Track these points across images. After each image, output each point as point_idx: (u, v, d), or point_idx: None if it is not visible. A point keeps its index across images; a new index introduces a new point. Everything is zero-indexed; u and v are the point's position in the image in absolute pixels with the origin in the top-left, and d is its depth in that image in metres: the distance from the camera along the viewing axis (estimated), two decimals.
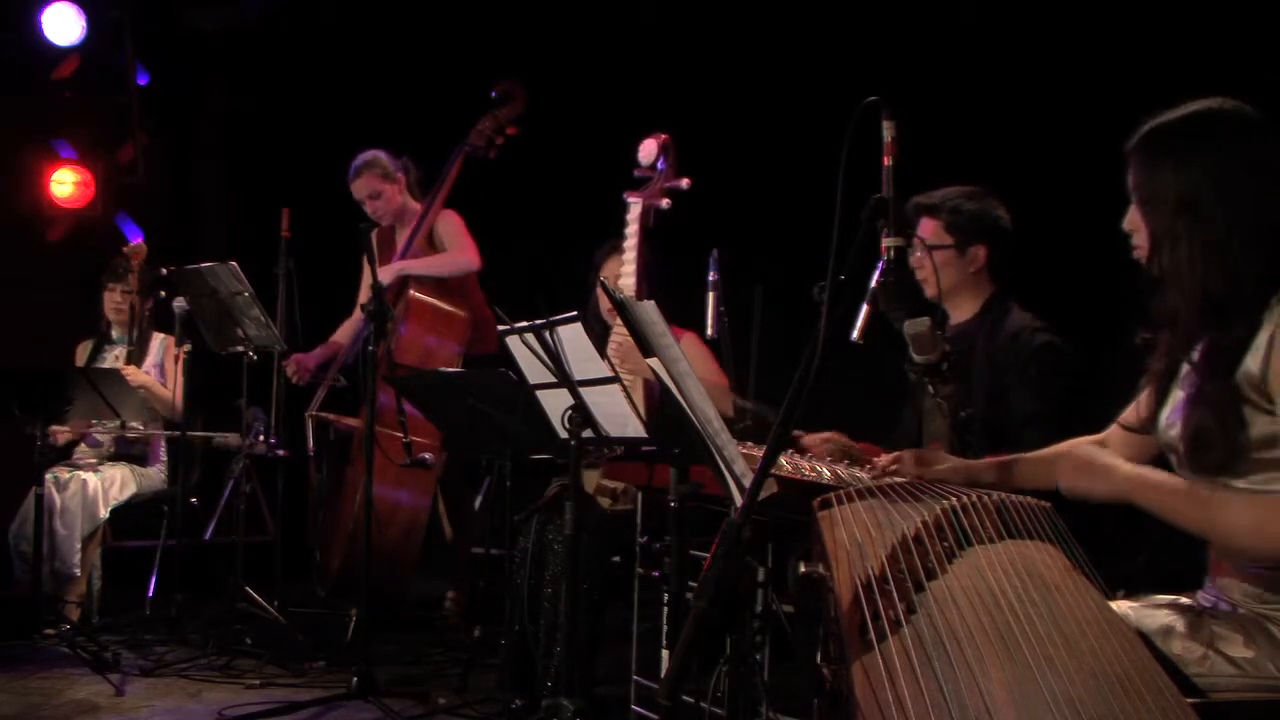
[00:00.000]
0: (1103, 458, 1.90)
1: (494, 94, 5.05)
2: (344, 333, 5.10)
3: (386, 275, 4.62)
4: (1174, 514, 1.77)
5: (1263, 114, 1.83)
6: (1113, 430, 2.15)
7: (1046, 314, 2.98)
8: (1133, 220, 1.91)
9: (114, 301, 5.17)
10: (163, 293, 4.79)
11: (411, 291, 4.72)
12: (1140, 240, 1.91)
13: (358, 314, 5.07)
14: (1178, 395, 1.88)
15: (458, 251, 4.84)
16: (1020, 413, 2.80)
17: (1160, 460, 1.95)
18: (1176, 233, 1.81)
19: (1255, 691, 1.68)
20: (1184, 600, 1.89)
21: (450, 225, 4.90)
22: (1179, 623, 1.79)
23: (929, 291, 2.97)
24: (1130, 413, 2.06)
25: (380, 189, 4.90)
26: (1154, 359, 1.92)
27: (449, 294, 4.81)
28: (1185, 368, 1.86)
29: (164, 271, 4.78)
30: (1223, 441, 1.76)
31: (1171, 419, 1.88)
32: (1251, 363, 1.74)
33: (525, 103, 5.05)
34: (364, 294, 5.05)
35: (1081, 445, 2.15)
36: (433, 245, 4.91)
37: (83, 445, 5.10)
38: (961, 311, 3.06)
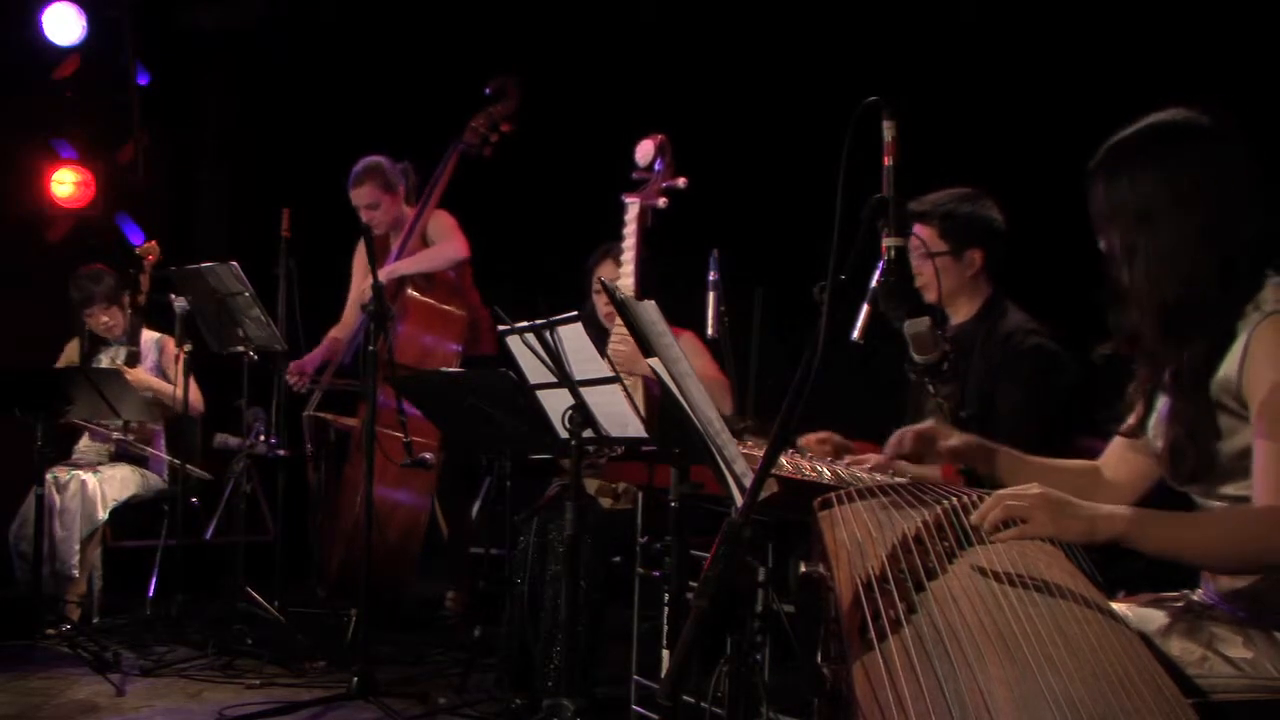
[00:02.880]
0: (1078, 501, 1.75)
1: (488, 91, 5.05)
2: (342, 330, 5.08)
3: (380, 279, 4.61)
4: (1196, 544, 1.71)
5: (1218, 122, 1.83)
6: (1115, 442, 2.13)
7: (1046, 315, 2.99)
8: (1104, 243, 1.92)
9: (101, 323, 5.13)
10: (172, 295, 4.78)
11: (408, 291, 4.73)
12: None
13: (349, 316, 5.06)
14: (1161, 404, 1.88)
15: (444, 244, 4.85)
16: (1002, 410, 2.81)
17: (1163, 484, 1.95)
18: (1134, 246, 1.82)
19: (1255, 692, 1.68)
20: (1182, 600, 1.90)
21: (441, 224, 4.91)
22: (1178, 623, 1.79)
23: (929, 297, 2.97)
24: (1128, 423, 2.06)
25: (379, 200, 4.90)
26: (1139, 366, 1.92)
27: (446, 293, 4.82)
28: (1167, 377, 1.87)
29: (172, 270, 4.78)
30: (1195, 455, 1.78)
31: (1156, 431, 1.89)
32: (1229, 370, 1.74)
33: (519, 99, 5.05)
34: (353, 296, 5.06)
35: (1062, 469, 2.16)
36: (426, 247, 4.92)
37: (84, 445, 5.10)
38: (961, 314, 3.06)
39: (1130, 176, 1.83)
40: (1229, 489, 1.79)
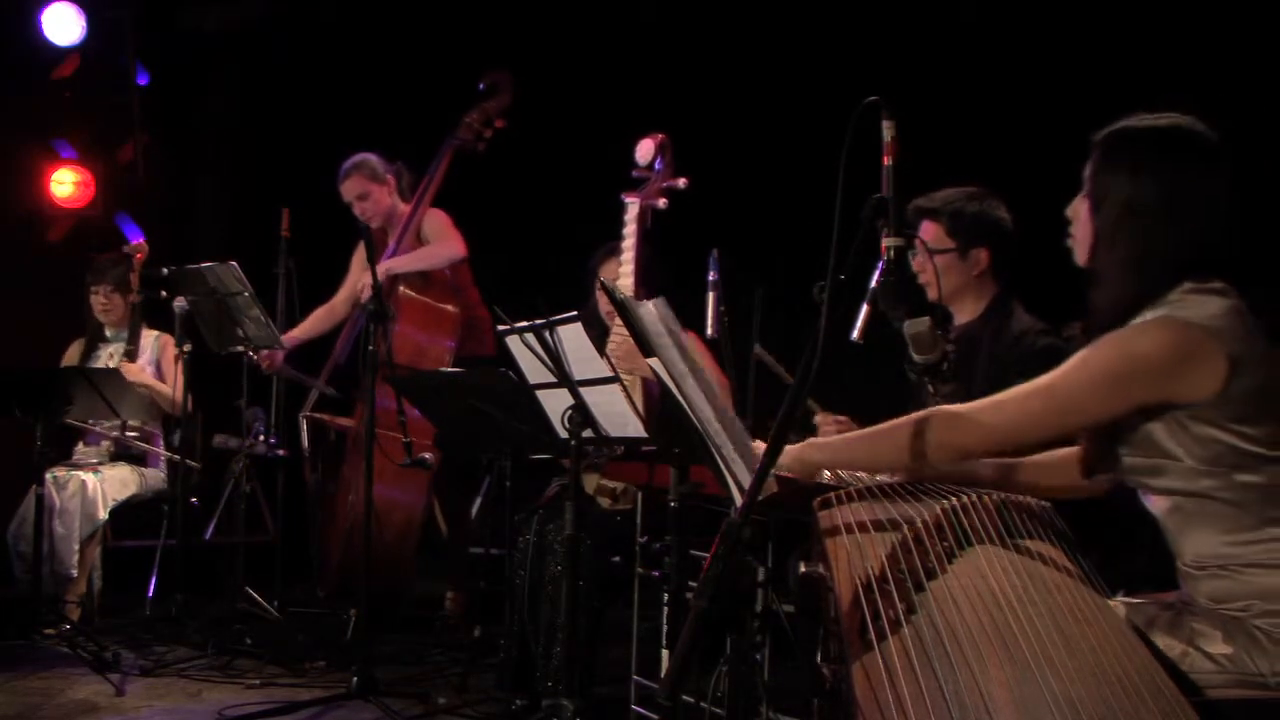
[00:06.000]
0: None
1: (481, 86, 5.04)
2: (313, 325, 5.03)
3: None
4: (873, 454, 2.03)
5: (1226, 140, 1.87)
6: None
7: (1049, 314, 2.99)
8: (1075, 209, 1.97)
9: (99, 303, 5.16)
10: (163, 293, 4.78)
11: (400, 289, 4.72)
12: (1077, 230, 1.97)
13: (336, 312, 5.05)
14: None
15: (441, 243, 4.84)
16: None
17: None
18: (1116, 236, 1.87)
19: (1235, 688, 1.70)
20: (1165, 598, 1.90)
21: (436, 222, 4.90)
22: (1160, 620, 1.80)
23: (932, 294, 2.97)
24: None
25: (368, 190, 4.89)
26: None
27: (441, 292, 4.81)
28: None
29: (165, 271, 4.77)
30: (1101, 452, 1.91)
31: None
32: None
33: (513, 94, 5.04)
34: (348, 285, 5.05)
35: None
36: (421, 244, 4.92)
37: (84, 445, 5.10)
38: (966, 313, 3.05)
39: (1132, 169, 1.87)
40: (1161, 482, 1.84)
